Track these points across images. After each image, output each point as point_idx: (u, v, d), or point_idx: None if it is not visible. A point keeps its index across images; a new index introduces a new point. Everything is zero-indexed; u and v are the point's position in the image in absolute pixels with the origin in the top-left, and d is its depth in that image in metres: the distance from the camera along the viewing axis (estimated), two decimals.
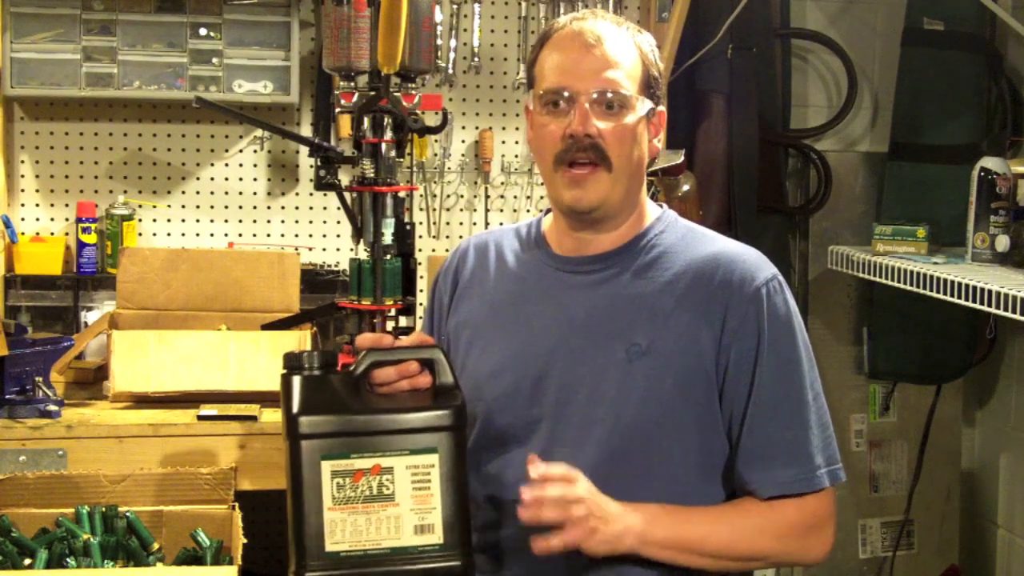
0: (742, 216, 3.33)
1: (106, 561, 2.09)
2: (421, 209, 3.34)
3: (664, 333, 1.77)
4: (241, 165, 3.30)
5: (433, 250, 3.35)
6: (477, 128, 3.37)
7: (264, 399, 2.63)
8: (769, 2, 3.40)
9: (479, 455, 1.80)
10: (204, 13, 3.11)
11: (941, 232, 3.06)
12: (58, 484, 2.25)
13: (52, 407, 2.54)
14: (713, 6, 3.30)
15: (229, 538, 2.17)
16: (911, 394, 3.55)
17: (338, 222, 3.30)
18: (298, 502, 1.63)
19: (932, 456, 3.52)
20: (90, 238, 3.14)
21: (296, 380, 1.68)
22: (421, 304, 2.66)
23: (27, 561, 2.06)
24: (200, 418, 2.56)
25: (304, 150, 3.23)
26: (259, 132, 3.26)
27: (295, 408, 1.65)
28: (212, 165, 3.28)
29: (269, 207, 3.32)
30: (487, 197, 3.37)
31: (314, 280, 3.13)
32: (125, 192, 3.24)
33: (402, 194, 2.68)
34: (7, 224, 3.08)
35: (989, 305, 2.53)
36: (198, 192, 3.28)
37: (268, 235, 3.32)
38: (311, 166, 3.01)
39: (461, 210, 3.37)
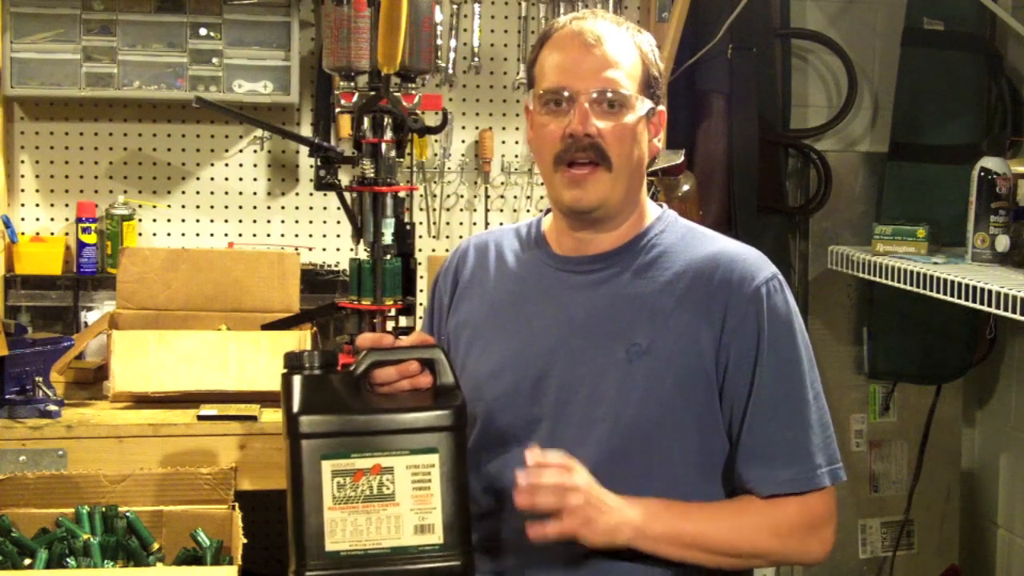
0: (742, 216, 3.33)
1: (106, 561, 2.09)
2: (421, 209, 3.34)
3: (664, 333, 1.77)
4: (241, 165, 3.30)
5: (433, 250, 3.35)
6: (477, 128, 3.37)
7: (264, 399, 2.63)
8: (769, 2, 3.40)
9: (479, 455, 1.80)
10: (204, 13, 3.11)
11: (941, 232, 3.06)
12: (58, 484, 2.24)
13: (52, 407, 2.54)
14: (713, 6, 3.30)
15: (229, 538, 2.17)
16: (911, 394, 3.55)
17: (338, 222, 3.30)
18: (298, 501, 1.63)
19: (932, 456, 3.52)
20: (90, 238, 3.14)
21: (296, 379, 1.68)
22: (421, 304, 2.66)
23: (27, 561, 2.06)
24: (200, 418, 2.56)
25: (304, 150, 3.23)
26: (259, 132, 3.26)
27: (295, 407, 1.65)
28: (212, 165, 3.28)
29: (269, 207, 3.32)
30: (487, 197, 3.37)
31: (314, 280, 3.13)
32: (125, 192, 3.24)
33: (402, 194, 2.68)
34: (7, 224, 3.08)
35: (989, 305, 2.53)
36: (198, 192, 3.28)
37: (268, 235, 3.32)
38: (311, 166, 3.01)
39: (461, 210, 3.37)
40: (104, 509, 2.17)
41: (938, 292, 2.73)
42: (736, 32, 3.30)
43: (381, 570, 1.63)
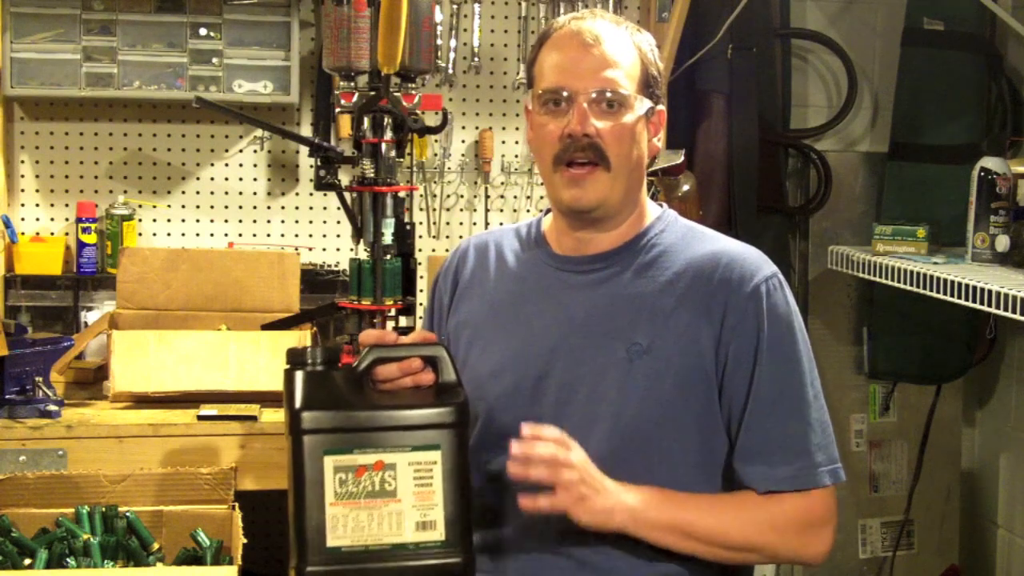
0: (742, 216, 3.33)
1: (106, 561, 2.08)
2: (421, 209, 3.34)
3: (664, 332, 1.77)
4: (241, 165, 3.30)
5: (433, 250, 3.35)
6: (477, 128, 3.37)
7: (264, 399, 2.63)
8: (769, 2, 3.40)
9: (480, 455, 1.80)
10: (204, 13, 3.11)
11: (941, 232, 3.06)
12: (58, 484, 2.24)
13: (52, 407, 2.54)
14: (713, 6, 3.30)
15: (229, 538, 2.17)
16: (911, 394, 3.55)
17: (338, 222, 3.30)
18: (300, 497, 1.63)
19: (932, 456, 3.52)
20: (90, 238, 3.14)
21: (299, 375, 1.68)
22: (421, 304, 2.66)
23: (27, 561, 2.06)
24: (200, 418, 2.56)
25: (304, 150, 3.23)
26: (259, 132, 3.26)
27: (298, 403, 1.65)
28: (212, 165, 3.28)
29: (269, 207, 3.32)
30: (487, 197, 3.37)
31: (314, 280, 3.14)
32: (125, 192, 3.24)
33: (402, 194, 2.68)
34: (7, 224, 3.09)
35: (989, 305, 2.53)
36: (198, 192, 3.28)
37: (268, 235, 3.32)
38: (311, 166, 3.01)
39: (461, 210, 3.37)
40: (104, 509, 2.17)
41: (938, 292, 2.73)
42: (736, 32, 3.30)
43: (382, 566, 1.63)
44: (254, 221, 3.31)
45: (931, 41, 3.25)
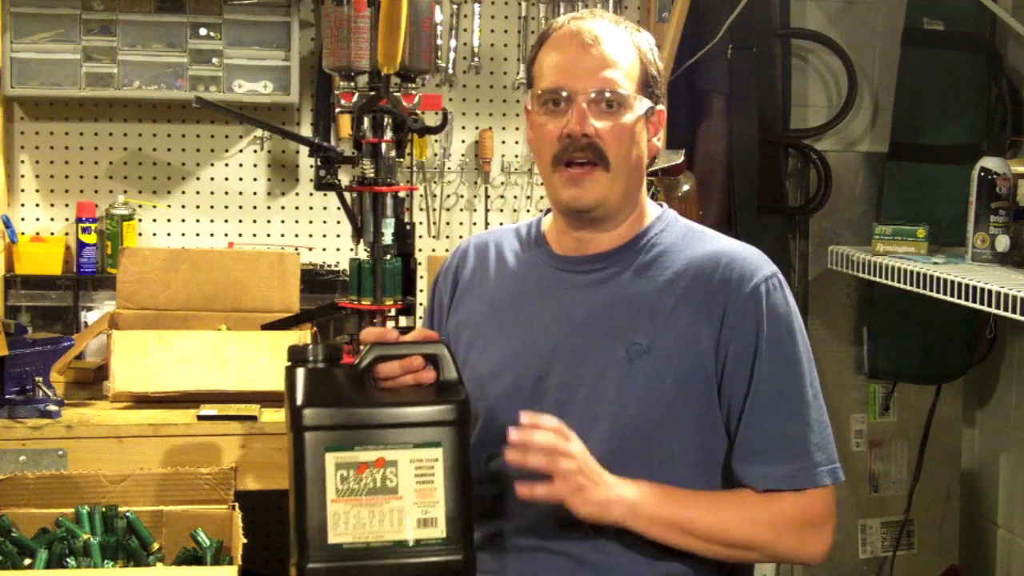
0: (742, 216, 3.33)
1: (106, 561, 2.08)
2: (421, 209, 3.34)
3: (664, 332, 1.77)
4: (241, 165, 3.30)
5: (433, 250, 3.35)
6: (477, 128, 3.37)
7: (264, 399, 2.63)
8: (769, 2, 3.40)
9: (480, 455, 1.80)
10: (204, 13, 3.11)
11: (941, 232, 3.06)
12: (58, 484, 2.24)
13: (52, 407, 2.54)
14: (713, 6, 3.30)
15: (229, 538, 2.17)
16: (911, 394, 3.55)
17: (338, 222, 3.30)
18: (301, 494, 1.63)
19: (932, 456, 3.52)
20: (90, 238, 3.14)
21: (300, 372, 1.68)
22: (421, 304, 2.66)
23: (27, 561, 2.06)
24: (200, 418, 2.56)
25: (304, 150, 3.23)
26: (259, 132, 3.26)
27: (299, 400, 1.65)
28: (212, 165, 3.28)
29: (269, 207, 3.32)
30: (487, 197, 3.37)
31: (314, 280, 3.13)
32: (125, 192, 3.24)
33: (402, 194, 2.67)
34: (7, 224, 3.09)
35: (989, 305, 2.53)
36: (198, 192, 3.28)
37: (268, 235, 3.32)
38: (311, 166, 3.01)
39: (461, 210, 3.37)
40: (104, 509, 2.17)
41: (938, 292, 2.73)
42: (736, 32, 3.30)
43: (383, 563, 1.63)
44: (254, 221, 3.31)
45: (931, 41, 3.25)
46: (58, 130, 3.22)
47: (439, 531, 1.64)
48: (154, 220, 3.26)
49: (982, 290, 2.56)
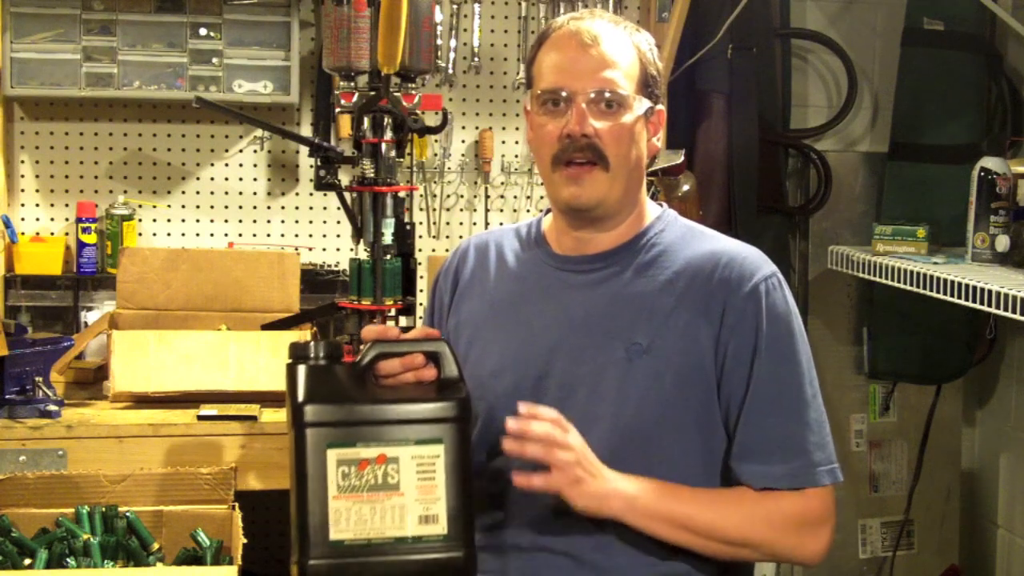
0: (742, 216, 3.33)
1: (106, 561, 2.08)
2: (421, 209, 3.34)
3: (664, 332, 1.77)
4: (241, 165, 3.30)
5: (433, 250, 3.35)
6: (477, 128, 3.37)
7: (264, 399, 2.63)
8: (769, 2, 3.40)
9: (480, 455, 1.80)
10: (204, 13, 3.11)
11: (941, 232, 3.06)
12: (58, 484, 2.24)
13: (52, 407, 2.54)
14: (713, 6, 3.29)
15: (229, 538, 2.17)
16: (911, 394, 3.54)
17: (338, 222, 3.30)
18: (302, 490, 1.62)
19: (932, 456, 3.52)
20: (90, 238, 3.14)
21: (302, 369, 1.68)
22: (421, 304, 2.66)
23: (27, 561, 2.06)
24: (200, 418, 2.56)
25: (304, 150, 3.23)
26: (259, 132, 3.26)
27: (301, 397, 1.65)
28: (212, 165, 3.29)
29: (269, 207, 3.32)
30: (487, 197, 3.37)
31: (314, 280, 3.14)
32: (125, 192, 3.24)
33: (402, 194, 2.68)
34: (7, 224, 3.09)
35: (989, 305, 2.53)
36: (198, 192, 3.28)
37: (268, 235, 3.32)
38: (311, 166, 3.01)
39: (461, 210, 3.37)
40: (104, 509, 2.17)
41: (938, 292, 2.73)
42: (736, 32, 3.30)
43: (384, 560, 1.62)
44: (254, 221, 3.31)
45: (931, 41, 3.25)
46: (58, 130, 3.22)
47: (440, 528, 1.64)
48: (154, 220, 3.26)
49: (982, 290, 2.56)
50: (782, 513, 1.75)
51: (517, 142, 3.38)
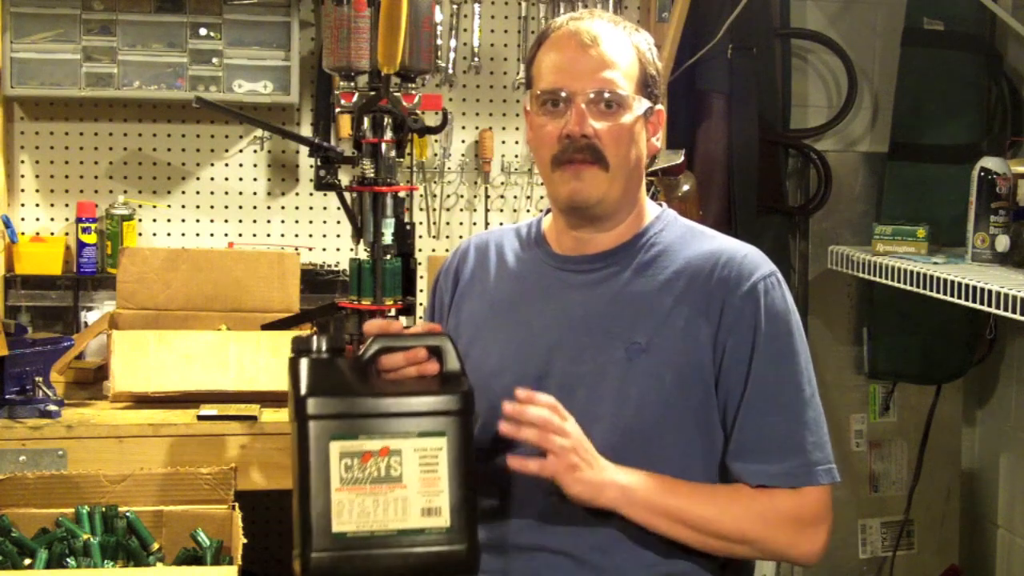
0: (742, 216, 3.33)
1: (106, 561, 2.08)
2: (421, 209, 3.34)
3: (664, 331, 1.77)
4: (241, 165, 3.30)
5: (433, 250, 3.35)
6: (477, 128, 3.37)
7: (264, 399, 2.63)
8: (769, 2, 3.40)
9: (480, 454, 1.80)
10: (204, 13, 3.11)
11: (941, 232, 3.06)
12: (58, 484, 2.24)
13: (52, 407, 2.54)
14: (713, 6, 3.29)
15: (229, 538, 2.17)
16: (911, 394, 3.54)
17: (338, 222, 3.30)
18: (305, 483, 1.62)
19: (932, 456, 3.52)
20: (90, 238, 3.14)
21: (304, 363, 1.68)
22: (421, 304, 2.67)
23: (27, 561, 2.06)
24: (200, 418, 2.55)
25: (304, 150, 3.23)
26: (259, 132, 3.26)
27: (303, 389, 1.65)
28: (212, 165, 3.29)
29: (269, 207, 3.32)
30: (487, 197, 3.37)
31: (314, 280, 3.14)
32: (125, 192, 3.24)
33: (402, 194, 2.67)
34: (7, 224, 3.09)
35: (989, 305, 2.53)
36: (198, 192, 3.28)
37: (268, 235, 3.32)
38: (311, 166, 3.01)
39: (461, 210, 3.37)
40: (104, 509, 2.17)
41: (938, 292, 2.73)
42: (736, 32, 3.30)
43: (387, 552, 1.62)
44: (254, 221, 3.31)
45: (931, 41, 3.25)
46: (58, 130, 3.22)
47: (443, 520, 1.64)
48: (154, 220, 3.26)
49: (982, 290, 2.56)
50: (777, 510, 1.75)
51: (517, 142, 3.38)
